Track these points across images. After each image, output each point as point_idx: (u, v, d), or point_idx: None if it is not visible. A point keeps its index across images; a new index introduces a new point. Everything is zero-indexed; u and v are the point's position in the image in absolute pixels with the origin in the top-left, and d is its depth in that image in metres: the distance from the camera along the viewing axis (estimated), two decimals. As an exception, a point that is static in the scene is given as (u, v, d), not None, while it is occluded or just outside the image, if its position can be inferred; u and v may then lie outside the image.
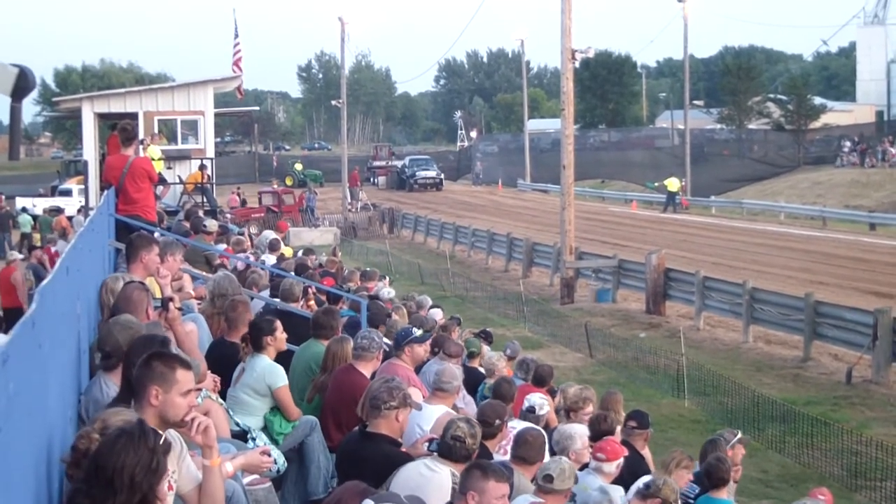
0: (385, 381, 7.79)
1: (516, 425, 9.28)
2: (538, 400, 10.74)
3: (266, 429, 8.88)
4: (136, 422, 4.57)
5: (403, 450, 7.76)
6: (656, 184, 72.58)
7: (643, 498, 8.30)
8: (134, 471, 4.37)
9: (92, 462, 4.44)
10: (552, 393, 13.06)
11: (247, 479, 6.83)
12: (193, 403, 5.54)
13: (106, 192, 14.48)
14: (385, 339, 10.83)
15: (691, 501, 9.72)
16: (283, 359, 9.55)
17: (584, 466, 8.93)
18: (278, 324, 9.24)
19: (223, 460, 6.14)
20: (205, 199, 30.56)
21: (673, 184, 65.40)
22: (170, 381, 5.32)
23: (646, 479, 8.44)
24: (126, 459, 4.36)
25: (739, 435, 10.87)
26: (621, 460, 8.92)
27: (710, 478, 9.67)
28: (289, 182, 77.33)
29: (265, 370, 8.92)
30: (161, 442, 4.52)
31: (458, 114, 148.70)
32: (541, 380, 12.95)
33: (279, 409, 9.00)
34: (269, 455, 6.78)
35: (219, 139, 75.34)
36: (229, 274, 12.02)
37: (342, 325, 12.03)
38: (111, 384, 6.56)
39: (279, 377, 8.96)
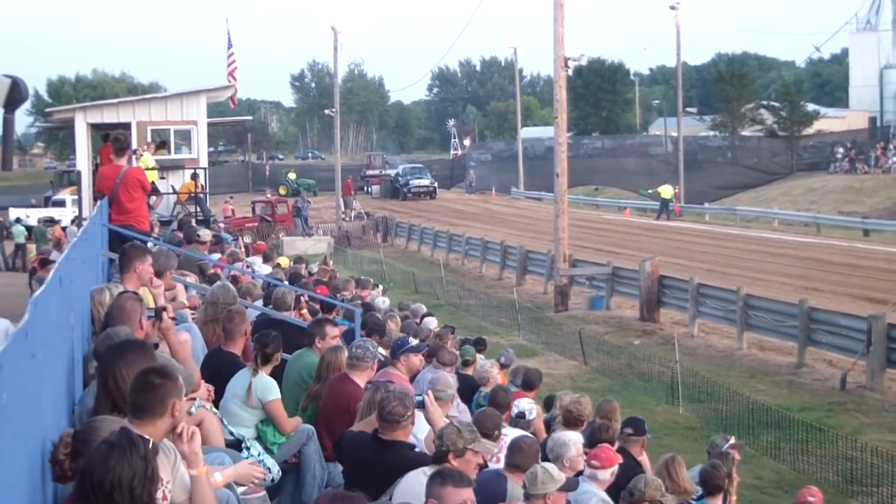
0: (393, 395, 7.74)
1: (509, 433, 9.29)
2: (527, 405, 10.75)
3: (260, 439, 8.86)
4: (122, 432, 4.54)
5: (418, 450, 7.82)
6: (650, 191, 72.66)
7: None
8: (132, 483, 4.35)
9: (86, 479, 4.40)
10: (549, 402, 13.07)
11: (241, 489, 6.83)
12: (188, 402, 5.58)
13: (99, 202, 14.46)
14: (380, 350, 10.82)
15: (693, 502, 9.73)
16: (275, 368, 9.53)
17: (579, 474, 8.93)
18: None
19: (213, 471, 6.14)
20: (198, 209, 30.52)
21: (667, 191, 65.39)
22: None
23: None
24: (122, 473, 4.34)
25: (732, 440, 10.87)
26: (616, 467, 8.92)
27: (705, 484, 9.68)
28: (282, 191, 77.31)
29: (256, 384, 8.91)
30: (150, 447, 4.51)
31: (452, 122, 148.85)
32: (529, 384, 12.98)
33: (272, 422, 8.99)
34: (261, 466, 6.79)
35: (212, 149, 75.24)
36: (227, 283, 12.01)
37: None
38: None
39: (270, 391, 8.95)
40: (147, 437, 4.65)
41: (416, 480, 7.07)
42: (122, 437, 4.46)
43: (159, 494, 4.77)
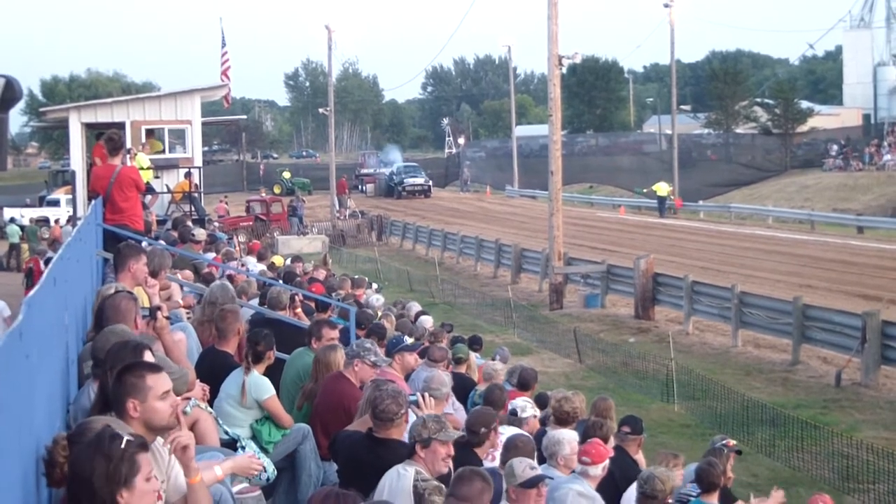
0: (386, 393, 7.73)
1: (505, 431, 9.28)
2: (521, 403, 10.76)
3: (255, 438, 8.85)
4: (103, 429, 4.59)
5: None
6: (645, 189, 72.65)
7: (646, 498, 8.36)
8: (92, 478, 4.44)
9: (70, 471, 4.55)
10: (543, 400, 13.07)
11: (237, 488, 6.82)
12: (176, 403, 5.54)
13: (93, 201, 14.44)
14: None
15: (692, 497, 9.72)
16: (273, 367, 9.52)
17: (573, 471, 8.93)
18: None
19: (212, 465, 6.14)
20: (193, 208, 30.50)
21: (662, 188, 65.43)
22: (143, 389, 5.33)
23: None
24: (92, 467, 4.44)
25: (726, 440, 10.87)
26: (607, 462, 8.91)
27: (701, 482, 9.67)
28: (277, 190, 77.25)
29: (250, 384, 8.89)
30: (123, 446, 4.51)
31: (446, 121, 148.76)
32: (525, 383, 13.00)
33: (271, 418, 8.98)
34: (258, 459, 6.80)
35: (206, 148, 75.09)
36: (225, 283, 11.99)
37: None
38: (100, 393, 6.54)
39: (265, 389, 8.92)
40: (129, 436, 4.64)
41: (395, 474, 7.09)
42: (101, 433, 4.53)
43: (155, 495, 4.75)
